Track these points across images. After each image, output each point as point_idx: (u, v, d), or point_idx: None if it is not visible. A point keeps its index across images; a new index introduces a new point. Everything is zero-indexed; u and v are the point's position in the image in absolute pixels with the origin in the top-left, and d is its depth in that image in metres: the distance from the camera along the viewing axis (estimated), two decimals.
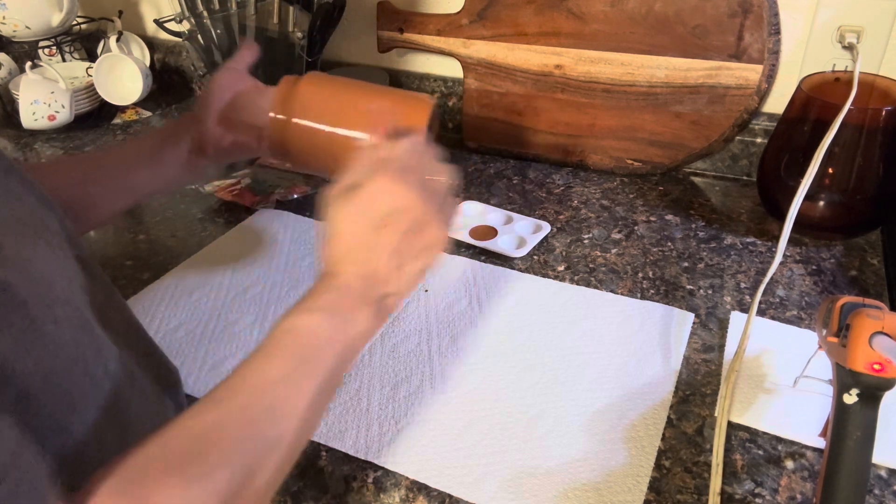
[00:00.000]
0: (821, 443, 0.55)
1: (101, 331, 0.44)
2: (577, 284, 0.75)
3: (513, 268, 0.79)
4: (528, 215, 0.87)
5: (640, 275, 0.77)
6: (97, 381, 0.42)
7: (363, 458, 0.57)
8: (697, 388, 0.62)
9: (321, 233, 0.46)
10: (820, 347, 0.52)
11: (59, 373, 0.38)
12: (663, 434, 0.57)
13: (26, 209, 0.42)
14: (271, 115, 0.59)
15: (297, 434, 0.39)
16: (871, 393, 0.45)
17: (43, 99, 1.14)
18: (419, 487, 0.54)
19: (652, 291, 0.74)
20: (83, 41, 1.37)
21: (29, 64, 1.16)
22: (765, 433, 0.57)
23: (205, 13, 1.05)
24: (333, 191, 0.46)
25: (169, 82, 1.40)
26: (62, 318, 0.39)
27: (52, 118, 1.16)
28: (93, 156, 0.68)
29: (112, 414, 0.43)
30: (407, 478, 0.55)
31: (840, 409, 0.46)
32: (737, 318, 0.69)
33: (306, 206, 0.94)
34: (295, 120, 0.58)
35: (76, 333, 0.40)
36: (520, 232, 0.84)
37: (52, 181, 0.59)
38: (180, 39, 1.09)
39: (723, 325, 0.69)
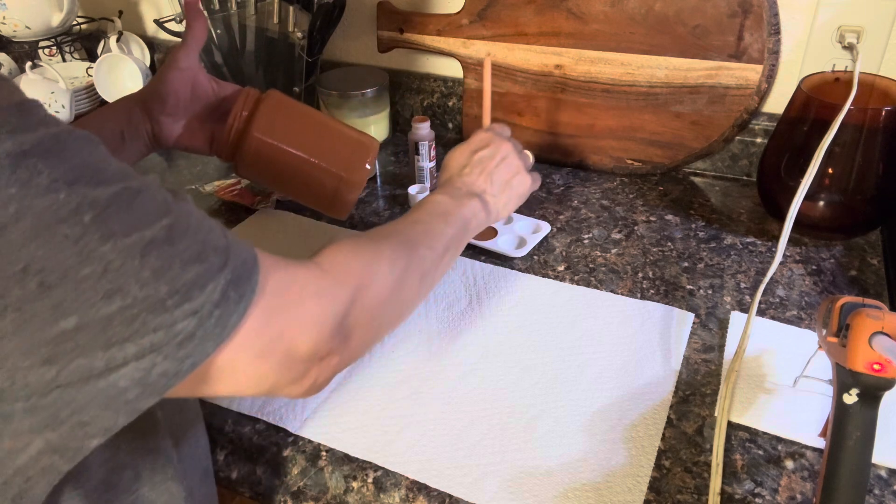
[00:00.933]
0: (821, 443, 0.55)
1: None
2: (577, 284, 0.76)
3: (513, 268, 0.79)
4: (528, 215, 0.87)
5: (640, 275, 0.77)
6: None
7: (363, 458, 0.57)
8: (697, 388, 0.62)
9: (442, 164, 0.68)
10: (820, 347, 0.52)
11: None
12: (663, 434, 0.57)
13: None
14: (231, 122, 0.66)
15: (442, 252, 0.56)
16: (871, 393, 0.45)
17: (43, 99, 1.14)
18: (419, 487, 0.54)
19: (652, 291, 0.74)
20: (83, 41, 1.37)
21: (29, 64, 1.16)
22: (765, 433, 0.57)
23: (205, 13, 1.05)
24: (455, 148, 0.69)
25: None
26: None
27: None
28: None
29: None
30: (407, 478, 0.55)
31: (840, 409, 0.46)
32: (737, 318, 0.69)
33: (306, 206, 0.94)
34: (256, 133, 0.65)
35: None
36: (520, 232, 0.84)
37: None
38: (180, 39, 1.09)
39: (723, 325, 0.69)
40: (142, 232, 0.32)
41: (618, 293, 0.74)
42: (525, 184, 0.68)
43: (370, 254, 0.48)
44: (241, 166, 0.68)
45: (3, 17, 1.19)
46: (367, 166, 0.70)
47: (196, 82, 0.69)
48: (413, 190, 0.92)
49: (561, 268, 0.79)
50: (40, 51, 1.31)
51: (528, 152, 0.72)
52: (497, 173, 0.66)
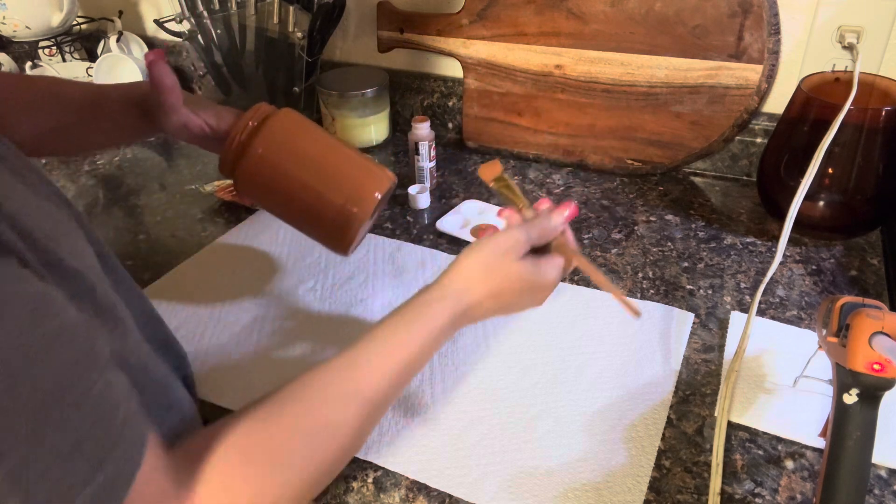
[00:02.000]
0: (821, 443, 0.55)
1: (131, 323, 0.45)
2: (577, 284, 0.75)
3: None
4: None
5: (640, 275, 0.77)
6: (132, 371, 0.43)
7: (363, 458, 0.57)
8: (697, 388, 0.62)
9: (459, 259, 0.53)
10: (820, 347, 0.52)
11: (125, 354, 0.41)
12: (663, 434, 0.57)
13: (52, 207, 0.42)
14: (235, 133, 0.59)
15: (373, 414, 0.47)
16: (871, 393, 0.45)
17: None
18: (419, 487, 0.54)
19: (652, 291, 0.74)
20: (83, 41, 1.37)
21: (29, 64, 1.16)
22: (765, 433, 0.57)
23: (205, 13, 1.05)
24: (490, 238, 0.54)
25: None
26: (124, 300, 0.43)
27: None
28: (79, 88, 0.66)
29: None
30: (407, 478, 0.55)
31: (840, 409, 0.46)
32: (737, 318, 0.69)
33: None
34: (259, 148, 0.59)
35: (132, 321, 0.44)
36: None
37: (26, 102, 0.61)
38: (180, 39, 1.09)
39: (723, 325, 0.69)
40: None
41: None
42: (533, 307, 0.57)
43: (271, 488, 0.40)
44: (240, 182, 0.62)
45: (3, 17, 1.19)
46: (378, 195, 0.60)
47: (190, 133, 0.63)
48: (413, 190, 0.92)
49: None
50: (40, 51, 1.31)
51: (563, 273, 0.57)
52: (511, 308, 0.55)
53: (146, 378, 0.44)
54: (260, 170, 0.60)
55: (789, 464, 0.54)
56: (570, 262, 0.57)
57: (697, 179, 0.96)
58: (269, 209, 0.64)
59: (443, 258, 0.81)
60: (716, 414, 0.58)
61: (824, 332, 0.50)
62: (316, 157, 0.61)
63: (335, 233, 0.61)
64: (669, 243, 0.82)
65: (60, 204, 0.44)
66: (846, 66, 0.84)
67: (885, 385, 0.45)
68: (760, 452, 0.56)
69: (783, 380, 0.61)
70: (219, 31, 1.06)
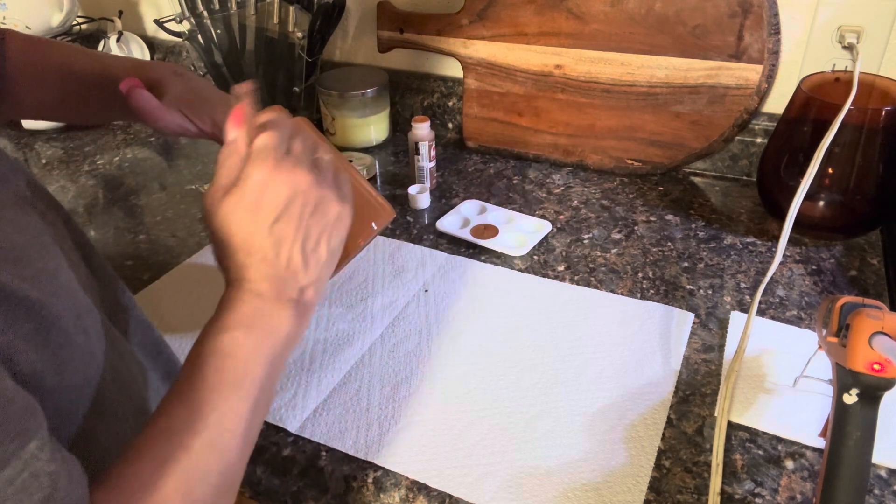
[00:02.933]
0: (821, 443, 0.55)
1: (117, 333, 0.43)
2: (577, 284, 0.75)
3: (513, 267, 0.79)
4: (529, 215, 0.87)
5: (640, 275, 0.77)
6: (125, 386, 0.42)
7: (363, 458, 0.57)
8: (697, 388, 0.62)
9: (212, 240, 0.43)
10: (820, 347, 0.52)
11: (91, 383, 0.38)
12: (663, 434, 0.57)
13: (37, 214, 0.41)
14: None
15: (240, 453, 0.40)
16: (871, 393, 0.45)
17: None
18: (419, 487, 0.54)
19: (652, 291, 0.74)
20: (83, 41, 1.36)
21: None
22: (765, 433, 0.57)
23: (205, 13, 1.05)
24: (210, 194, 0.43)
25: None
26: (90, 327, 0.38)
27: None
28: (89, 62, 0.63)
29: (136, 419, 0.43)
30: (407, 478, 0.55)
31: (840, 409, 0.46)
32: (737, 318, 0.69)
33: None
34: None
35: (101, 341, 0.40)
36: (520, 231, 0.84)
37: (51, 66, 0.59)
38: (180, 39, 1.09)
39: (723, 325, 0.69)
40: None
41: (618, 293, 0.74)
42: (342, 226, 0.46)
43: None
44: None
45: (3, 17, 1.19)
46: (375, 230, 0.55)
47: (190, 135, 0.61)
48: (413, 190, 0.92)
49: (561, 268, 0.79)
50: None
51: (324, 151, 0.47)
52: (309, 237, 0.44)
53: (140, 386, 0.44)
54: None
55: (789, 464, 0.54)
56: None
57: (697, 179, 0.96)
58: None
59: (443, 258, 0.81)
60: (716, 414, 0.58)
61: (824, 332, 0.50)
62: None
63: None
64: (669, 243, 0.82)
65: (30, 210, 0.41)
66: (846, 66, 0.84)
67: (885, 385, 0.45)
68: (760, 452, 0.56)
69: (783, 380, 0.61)
70: (219, 31, 1.06)
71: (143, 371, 0.46)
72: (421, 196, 0.91)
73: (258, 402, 0.41)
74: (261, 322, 0.41)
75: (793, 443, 0.56)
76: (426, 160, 0.92)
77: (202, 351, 0.40)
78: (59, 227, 0.43)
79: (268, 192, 0.42)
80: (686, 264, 0.78)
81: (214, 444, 0.38)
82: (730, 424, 0.58)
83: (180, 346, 0.69)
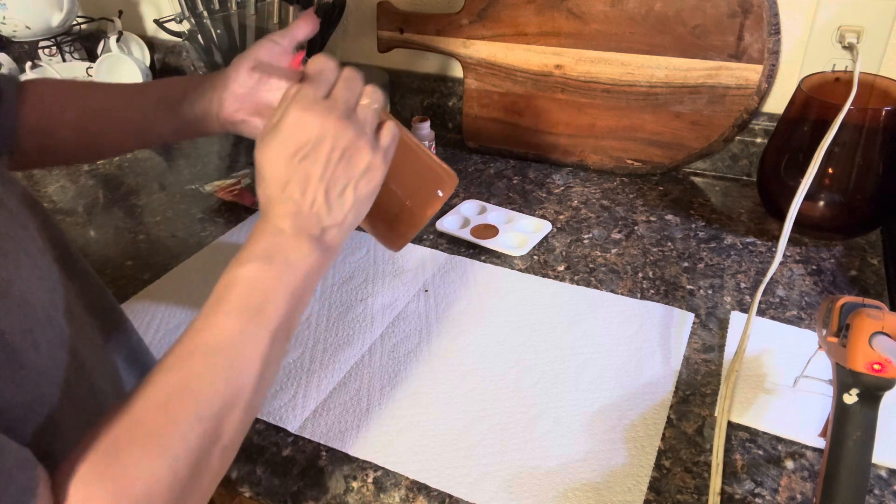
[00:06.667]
0: (821, 443, 0.55)
1: (86, 343, 0.42)
2: (577, 284, 0.75)
3: (513, 267, 0.79)
4: (529, 215, 0.87)
5: (640, 275, 0.77)
6: (81, 402, 0.40)
7: (363, 458, 0.57)
8: (697, 388, 0.62)
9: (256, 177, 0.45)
10: (820, 347, 0.52)
11: (43, 401, 0.37)
12: (663, 434, 0.57)
13: (6, 214, 0.39)
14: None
15: (257, 385, 0.40)
16: (871, 393, 0.45)
17: None
18: (419, 487, 0.54)
19: (652, 291, 0.74)
20: (83, 41, 1.37)
21: (29, 64, 1.16)
22: (765, 433, 0.57)
23: (205, 13, 1.05)
24: (260, 133, 0.45)
25: None
26: (42, 341, 0.37)
27: None
28: (113, 87, 0.62)
29: None
30: (407, 478, 0.55)
31: (840, 409, 0.46)
32: (737, 318, 0.69)
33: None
34: None
35: (58, 355, 0.39)
36: (520, 231, 0.84)
37: (66, 103, 0.57)
38: (180, 39, 1.09)
39: (723, 325, 0.69)
40: None
41: (618, 293, 0.74)
42: (372, 178, 0.46)
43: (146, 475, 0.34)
44: None
45: (3, 17, 1.19)
46: (441, 198, 0.54)
47: (280, 60, 0.57)
48: None
49: (561, 268, 0.79)
50: (40, 51, 1.31)
51: (371, 97, 0.47)
52: (335, 182, 0.44)
53: (109, 398, 0.43)
54: None
55: (789, 464, 0.54)
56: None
57: (697, 179, 0.96)
58: None
59: (443, 258, 0.81)
60: (716, 414, 0.58)
61: (824, 332, 0.50)
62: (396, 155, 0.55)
63: (395, 230, 0.57)
64: (669, 243, 0.82)
65: (20, 208, 0.40)
66: (846, 66, 0.84)
67: (885, 385, 0.45)
68: (760, 452, 0.56)
69: (783, 380, 0.61)
70: (219, 31, 1.06)
71: (117, 381, 0.46)
72: None
73: (276, 335, 0.41)
74: (280, 255, 0.43)
75: (793, 443, 0.56)
76: None
77: (223, 280, 0.42)
78: (30, 230, 0.41)
79: (298, 131, 0.43)
80: (686, 264, 0.78)
81: (234, 367, 0.39)
82: (730, 424, 0.58)
83: None
